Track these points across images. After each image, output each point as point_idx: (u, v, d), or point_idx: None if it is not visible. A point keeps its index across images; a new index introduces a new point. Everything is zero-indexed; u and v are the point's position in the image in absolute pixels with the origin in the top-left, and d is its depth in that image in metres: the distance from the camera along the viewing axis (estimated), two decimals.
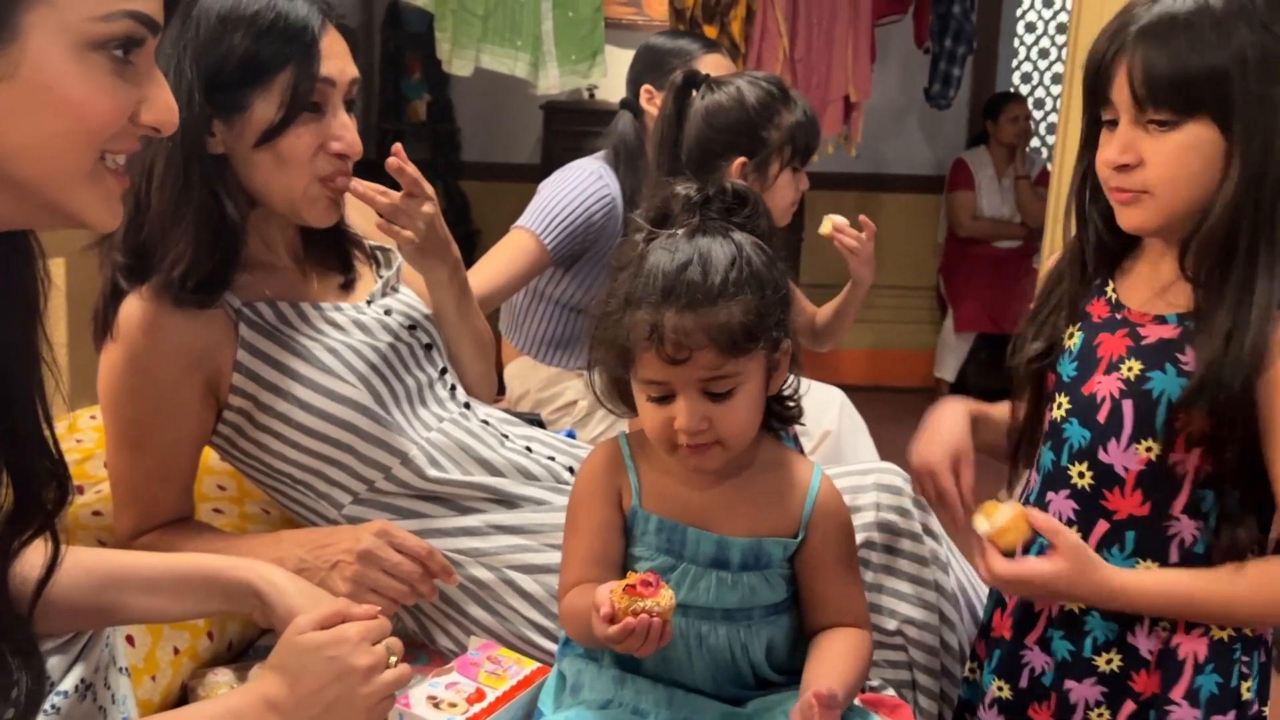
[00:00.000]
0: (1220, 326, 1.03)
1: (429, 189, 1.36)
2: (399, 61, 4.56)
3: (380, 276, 1.41)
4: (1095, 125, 1.11)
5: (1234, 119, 1.01)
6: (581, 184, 1.98)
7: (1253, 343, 1.02)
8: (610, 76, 3.22)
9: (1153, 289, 1.12)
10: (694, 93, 1.70)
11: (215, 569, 1.00)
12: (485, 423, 1.40)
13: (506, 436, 1.40)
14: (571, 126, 4.19)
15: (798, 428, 1.99)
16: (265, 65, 1.18)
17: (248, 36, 1.17)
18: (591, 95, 4.25)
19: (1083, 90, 1.11)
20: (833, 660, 1.06)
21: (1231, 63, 1.00)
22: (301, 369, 1.25)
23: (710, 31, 3.28)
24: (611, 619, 0.95)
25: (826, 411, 2.07)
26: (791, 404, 1.13)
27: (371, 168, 4.30)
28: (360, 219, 1.46)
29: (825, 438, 2.05)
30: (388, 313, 1.37)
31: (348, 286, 1.37)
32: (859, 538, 1.32)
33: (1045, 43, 4.93)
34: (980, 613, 1.42)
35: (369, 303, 1.37)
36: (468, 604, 1.29)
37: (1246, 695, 1.12)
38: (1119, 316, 1.13)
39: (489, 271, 1.92)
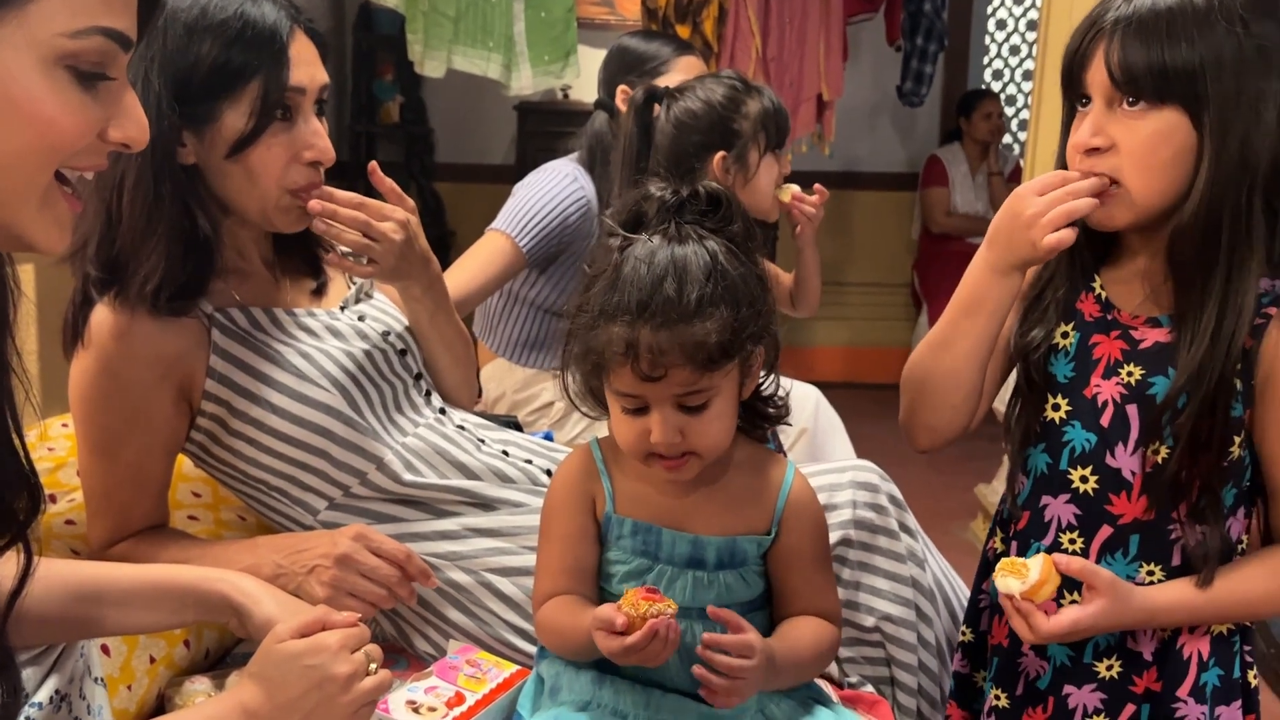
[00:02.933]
0: (1204, 325, 1.03)
1: (409, 202, 1.33)
2: (371, 63, 4.54)
3: (353, 283, 1.41)
4: (1072, 114, 1.10)
5: (1206, 114, 1.00)
6: (556, 186, 1.98)
7: (1234, 341, 1.02)
8: (584, 76, 3.22)
9: (1142, 290, 1.11)
10: (657, 107, 1.72)
11: (189, 581, 1.00)
12: (461, 428, 1.40)
13: (483, 441, 1.40)
14: (546, 127, 4.18)
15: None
16: (234, 74, 1.17)
17: (216, 45, 1.16)
18: (565, 95, 4.25)
19: (1061, 77, 1.10)
20: (787, 631, 1.08)
21: (1208, 59, 0.99)
22: (275, 374, 1.24)
23: (683, 31, 3.28)
24: (626, 630, 0.96)
25: (803, 409, 2.08)
26: (776, 405, 1.14)
27: (345, 170, 4.30)
28: None
29: (802, 435, 2.06)
30: (361, 319, 1.37)
31: (320, 291, 1.37)
32: (836, 535, 1.33)
33: (1016, 39, 4.97)
34: (957, 608, 1.43)
35: (342, 308, 1.36)
36: (446, 608, 1.29)
37: (1254, 683, 1.13)
38: (1110, 318, 1.12)
39: (464, 274, 1.91)
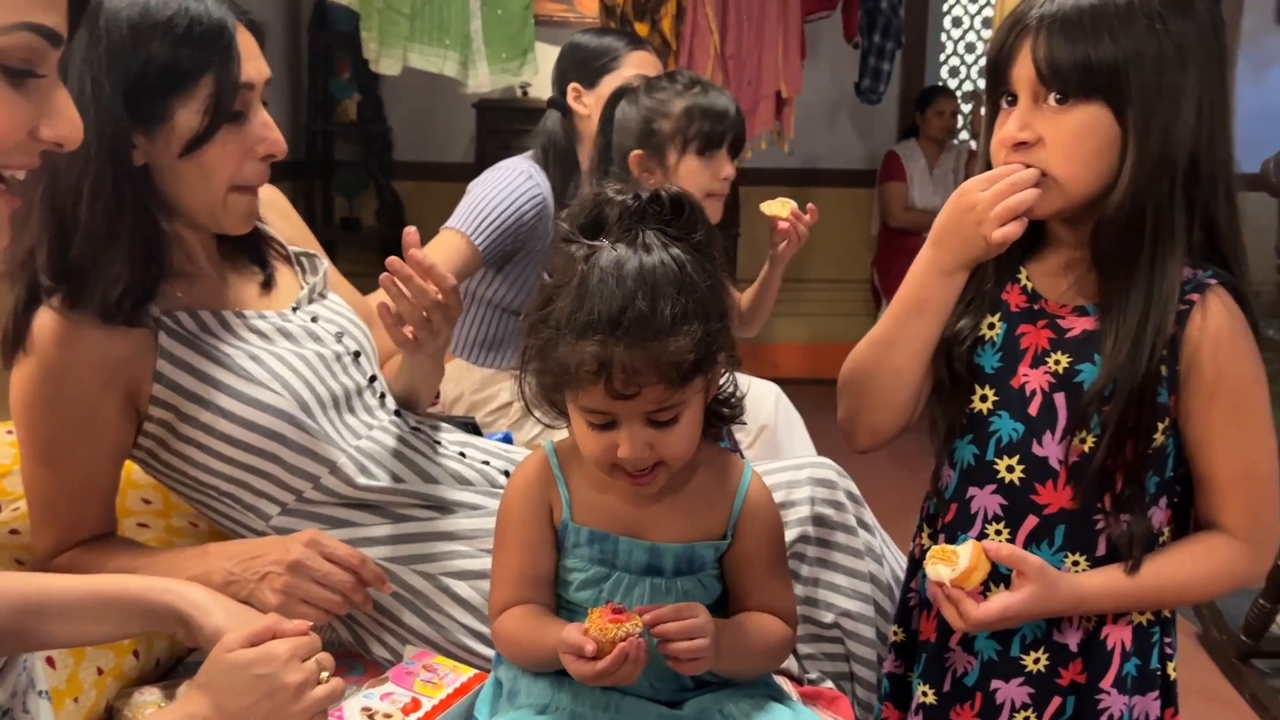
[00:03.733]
0: (1131, 314, 1.04)
1: (453, 282, 1.28)
2: (327, 61, 4.49)
3: (305, 283, 1.39)
4: (996, 112, 1.12)
5: (1129, 108, 1.02)
6: (511, 184, 1.96)
7: (1161, 329, 1.04)
8: (542, 74, 3.19)
9: (1068, 279, 1.13)
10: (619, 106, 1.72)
11: (136, 591, 0.98)
12: (416, 429, 1.39)
13: (439, 443, 1.39)
14: (505, 125, 4.16)
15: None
16: (186, 73, 1.15)
17: (165, 45, 1.13)
18: (524, 93, 4.23)
19: (985, 76, 1.12)
20: (737, 619, 1.09)
21: (1129, 56, 1.01)
22: (224, 377, 1.22)
23: (641, 29, 3.27)
24: (596, 655, 0.95)
25: (762, 406, 2.08)
26: (732, 405, 1.13)
27: (300, 168, 4.24)
28: (282, 222, 1.43)
29: (762, 432, 2.06)
30: (314, 320, 1.35)
31: (267, 285, 1.34)
32: (794, 532, 1.34)
33: (971, 37, 5.02)
34: None
35: (294, 309, 1.34)
36: (403, 613, 1.27)
37: (1173, 675, 1.14)
38: (1036, 307, 1.13)
39: None
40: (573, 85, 2.04)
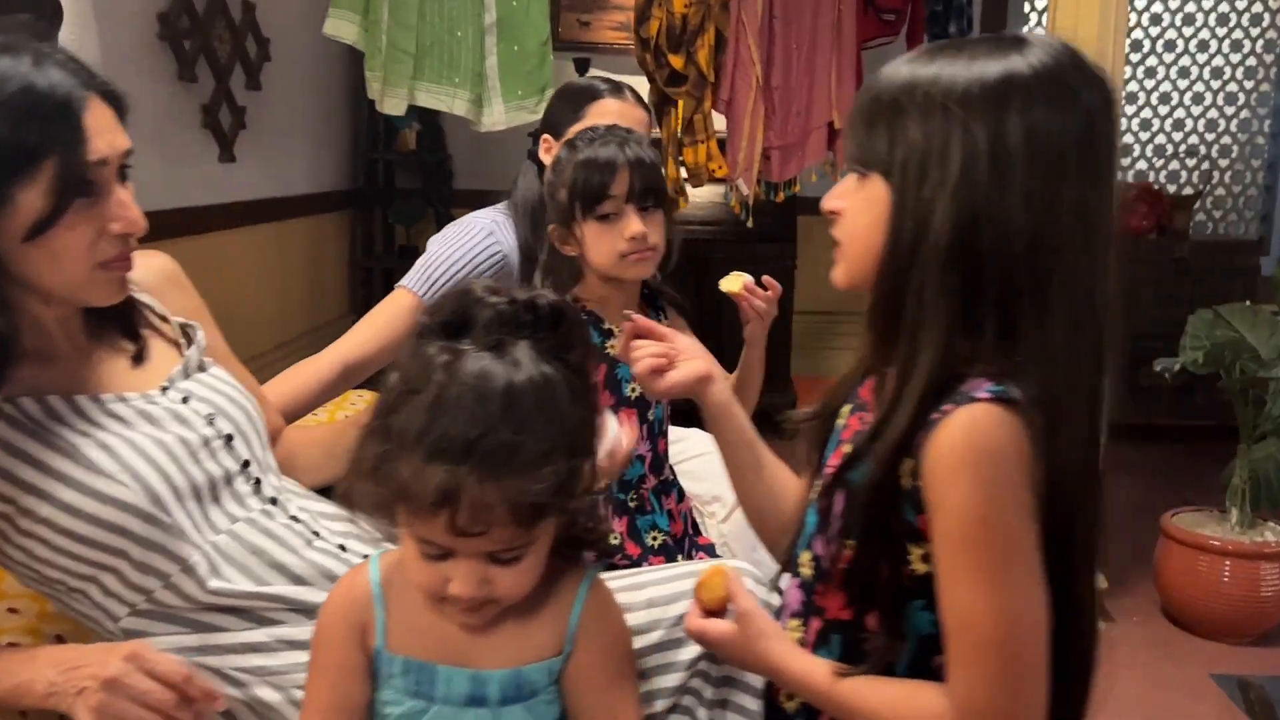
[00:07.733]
0: (881, 410, 0.95)
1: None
2: None
3: (182, 356, 1.31)
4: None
5: (893, 182, 0.96)
6: (469, 242, 1.87)
7: (897, 432, 0.91)
8: None
9: None
10: None
11: None
12: (294, 519, 1.29)
13: (317, 534, 1.28)
14: None
15: (705, 505, 1.86)
16: (28, 154, 1.07)
17: (4, 124, 1.06)
18: None
19: None
20: None
21: (899, 136, 0.96)
22: (67, 469, 1.14)
23: (676, 61, 3.15)
24: None
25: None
26: (593, 540, 1.02)
27: (359, 196, 4.25)
28: (176, 293, 1.36)
29: (737, 508, 1.90)
30: (185, 400, 1.26)
31: (139, 359, 1.26)
32: (692, 652, 1.19)
33: None
34: None
35: (164, 389, 1.26)
36: None
37: None
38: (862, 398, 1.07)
39: (366, 333, 1.81)
40: (544, 137, 1.93)
